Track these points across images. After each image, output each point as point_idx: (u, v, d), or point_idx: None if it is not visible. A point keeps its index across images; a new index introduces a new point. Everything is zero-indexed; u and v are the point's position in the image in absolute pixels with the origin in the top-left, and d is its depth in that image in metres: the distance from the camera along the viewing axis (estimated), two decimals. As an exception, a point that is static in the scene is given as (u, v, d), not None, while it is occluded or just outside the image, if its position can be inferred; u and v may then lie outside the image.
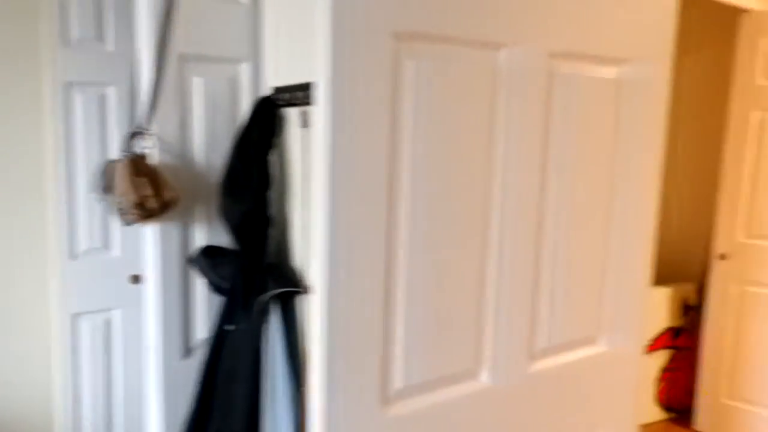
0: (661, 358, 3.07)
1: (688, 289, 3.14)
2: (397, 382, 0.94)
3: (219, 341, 1.36)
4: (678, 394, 3.13)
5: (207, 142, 1.42)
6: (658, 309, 3.03)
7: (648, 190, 1.26)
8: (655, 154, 1.26)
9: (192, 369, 1.38)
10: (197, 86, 1.39)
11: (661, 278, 3.42)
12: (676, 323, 3.10)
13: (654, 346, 3.03)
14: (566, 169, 1.12)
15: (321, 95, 0.81)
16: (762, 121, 2.68)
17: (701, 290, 3.05)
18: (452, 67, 0.93)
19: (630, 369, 1.33)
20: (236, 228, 1.34)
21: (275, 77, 1.42)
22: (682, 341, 3.13)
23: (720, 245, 2.85)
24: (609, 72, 1.16)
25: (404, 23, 0.85)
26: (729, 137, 2.78)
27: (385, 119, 0.86)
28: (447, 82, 0.93)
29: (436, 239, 0.95)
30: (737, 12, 2.70)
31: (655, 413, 3.07)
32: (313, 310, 0.85)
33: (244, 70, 1.45)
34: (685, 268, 3.30)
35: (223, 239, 1.41)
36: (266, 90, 1.44)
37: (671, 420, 3.08)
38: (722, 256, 2.84)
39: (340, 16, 0.78)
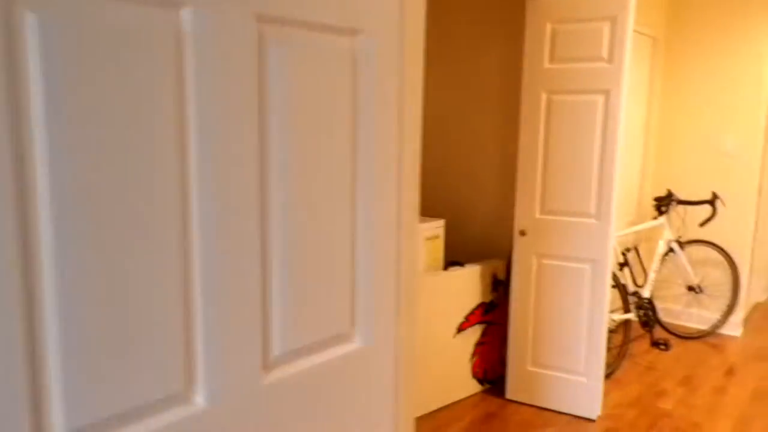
0: (475, 333, 3.17)
1: (498, 265, 3.27)
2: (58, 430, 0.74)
3: None
4: (492, 366, 3.27)
5: None
6: (472, 286, 3.12)
7: (393, 175, 1.18)
8: (397, 135, 1.18)
9: None
10: None
11: (476, 256, 3.55)
12: (488, 298, 3.22)
13: (468, 323, 3.13)
14: (292, 155, 0.99)
15: None
16: (548, 103, 2.83)
17: (509, 265, 3.19)
18: (101, 29, 0.74)
19: (388, 362, 1.26)
20: None
21: None
22: (494, 315, 3.26)
23: (520, 222, 2.99)
24: (339, 44, 1.04)
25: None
26: (523, 119, 2.91)
27: None
28: (97, 50, 0.74)
29: (101, 244, 0.76)
30: (524, -3, 2.81)
31: (472, 386, 3.18)
32: None
33: None
34: (497, 244, 3.45)
35: None
36: None
37: (486, 391, 3.20)
38: (522, 232, 2.98)
39: None
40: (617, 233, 3.52)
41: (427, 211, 3.61)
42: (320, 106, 1.03)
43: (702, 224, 3.79)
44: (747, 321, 4.36)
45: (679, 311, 4.25)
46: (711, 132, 4.02)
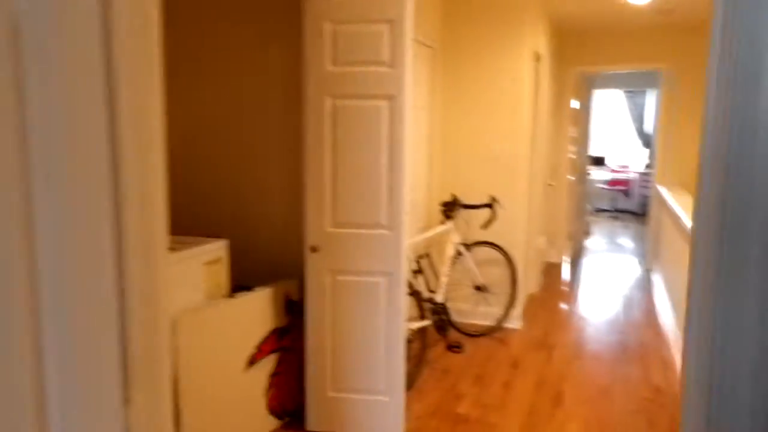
0: (270, 363, 2.86)
1: (291, 285, 3.00)
2: None
3: None
4: (290, 397, 2.99)
5: None
6: (263, 311, 2.80)
7: (101, 198, 0.83)
8: (106, 147, 0.82)
9: None
10: None
11: (267, 277, 3.23)
12: (282, 323, 2.93)
13: (261, 353, 2.80)
14: None
15: None
16: (333, 108, 2.65)
17: (303, 285, 2.94)
18: None
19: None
20: None
21: None
22: (290, 340, 2.98)
23: (310, 237, 2.76)
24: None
25: None
26: (307, 126, 2.69)
27: None
28: None
29: None
30: (301, -6, 2.59)
31: (269, 423, 2.85)
32: None
33: None
34: (289, 263, 3.17)
35: None
36: None
37: (286, 425, 2.91)
38: (313, 249, 2.75)
39: None
40: (409, 241, 3.50)
41: (205, 231, 3.20)
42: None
43: (484, 227, 3.98)
44: (524, 313, 4.73)
45: (468, 310, 4.44)
46: (486, 139, 4.26)
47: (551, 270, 6.30)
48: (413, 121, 3.90)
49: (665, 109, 6.06)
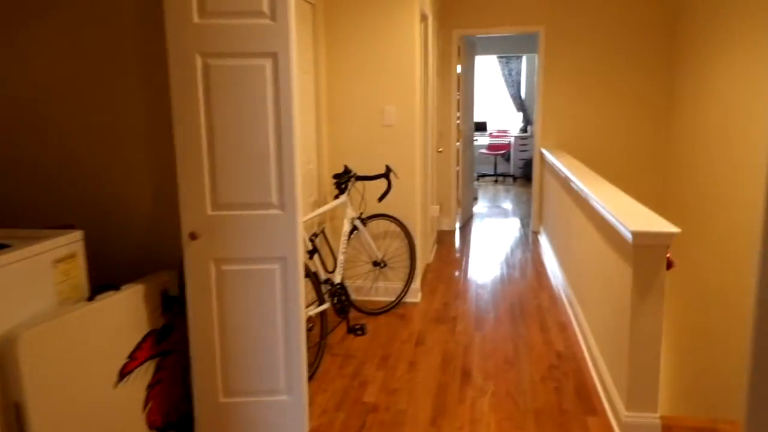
0: (147, 372, 2.43)
1: (169, 278, 2.58)
2: None
3: None
4: (174, 407, 2.59)
5: None
6: (134, 313, 2.36)
7: None
8: None
9: None
10: None
11: (138, 271, 2.76)
12: (159, 323, 2.50)
13: (135, 362, 2.37)
14: None
15: None
16: (206, 68, 2.23)
17: (182, 277, 2.53)
18: None
19: None
20: None
21: None
22: (170, 343, 2.57)
23: (188, 222, 2.35)
24: None
25: None
26: (174, 90, 2.25)
27: None
28: None
29: None
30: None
31: (150, 441, 2.45)
32: None
33: None
34: (165, 252, 2.72)
35: None
36: None
37: (171, 441, 2.52)
38: (192, 235, 2.35)
39: None
40: (302, 220, 3.18)
41: (53, 221, 2.66)
42: None
43: (380, 199, 3.75)
44: (422, 285, 4.61)
45: (367, 287, 4.22)
46: (375, 103, 3.99)
47: (444, 238, 6.27)
48: (299, 86, 3.53)
49: (544, 72, 6.16)
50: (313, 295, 3.53)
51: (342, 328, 3.70)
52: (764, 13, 3.94)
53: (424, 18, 4.52)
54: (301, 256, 2.45)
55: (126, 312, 2.32)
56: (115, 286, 2.36)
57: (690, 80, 5.32)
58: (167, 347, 2.56)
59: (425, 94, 4.71)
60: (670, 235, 2.28)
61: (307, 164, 3.77)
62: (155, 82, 2.57)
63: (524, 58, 10.95)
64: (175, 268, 2.65)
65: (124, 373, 2.31)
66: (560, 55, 6.09)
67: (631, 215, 2.51)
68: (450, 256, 5.55)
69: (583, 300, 3.60)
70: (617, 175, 6.11)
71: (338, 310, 3.46)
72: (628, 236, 2.35)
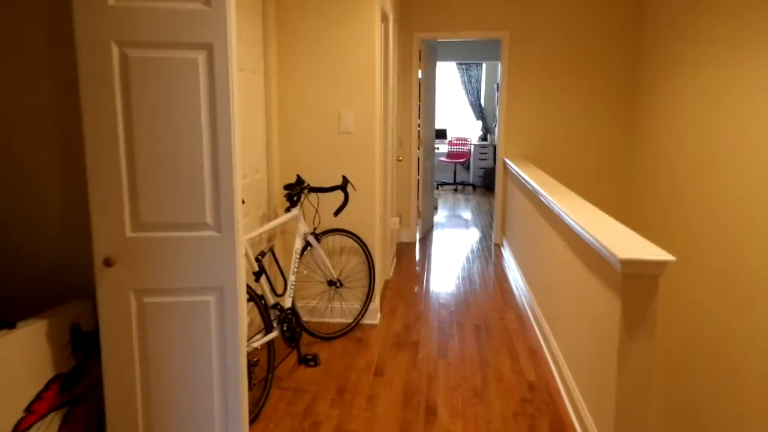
0: (51, 426, 2.01)
1: (82, 311, 2.16)
2: None
3: None
4: (87, 464, 2.17)
5: None
6: (36, 354, 1.95)
7: None
8: None
9: None
10: None
11: (41, 304, 2.33)
12: (67, 366, 2.09)
13: (34, 415, 1.95)
14: None
15: None
16: (123, 60, 1.84)
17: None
18: None
19: None
20: None
21: None
22: (81, 388, 2.15)
23: (102, 246, 1.94)
24: None
25: None
26: (85, 86, 1.85)
27: None
28: None
29: None
30: None
31: None
32: None
33: None
34: (76, 280, 2.30)
35: None
36: None
37: (81, 507, 2.10)
38: (107, 261, 1.95)
39: None
40: (248, 236, 2.80)
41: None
42: None
43: (336, 213, 3.40)
44: (382, 304, 4.28)
45: (322, 309, 3.86)
46: (332, 108, 3.65)
47: (404, 251, 5.96)
48: (246, 86, 3.15)
49: (508, 79, 5.95)
50: (259, 322, 3.15)
51: (293, 358, 3.32)
52: (725, 22, 3.81)
53: (384, 18, 4.21)
54: (243, 284, 2.08)
55: (22, 355, 1.90)
56: (10, 324, 1.93)
57: (653, 88, 5.20)
58: (79, 392, 2.14)
59: (385, 100, 4.40)
60: (662, 264, 2.02)
61: (255, 173, 3.39)
62: (64, 73, 2.16)
63: (484, 66, 10.81)
64: (90, 298, 2.24)
65: (20, 431, 1.89)
66: (524, 61, 5.90)
67: (617, 240, 2.24)
68: (410, 270, 5.24)
69: (554, 322, 3.34)
70: (582, 183, 5.94)
71: (288, 339, 3.08)
72: (616, 264, 2.08)
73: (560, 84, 5.88)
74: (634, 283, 2.06)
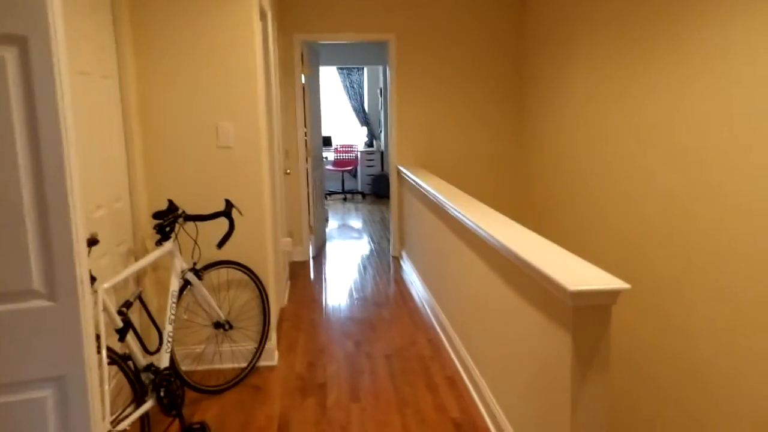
0: None
1: None
2: None
3: None
4: None
5: None
6: None
7: None
8: None
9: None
10: None
11: None
12: None
13: None
14: None
15: None
16: None
17: None
18: None
19: None
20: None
21: None
22: None
23: None
24: None
25: None
26: None
27: None
28: None
29: None
30: None
31: None
32: None
33: None
34: None
35: None
36: None
37: None
38: None
39: None
40: (108, 284, 2.19)
41: None
42: None
43: (220, 244, 2.85)
44: (279, 341, 3.77)
45: (210, 355, 3.28)
46: (207, 119, 3.09)
47: (297, 271, 5.46)
48: (93, 94, 2.52)
49: (397, 82, 5.67)
50: (128, 390, 2.53)
51: (175, 428, 2.73)
52: (607, 26, 3.79)
53: (263, 15, 3.72)
54: (94, 365, 1.52)
55: None
56: None
57: (539, 92, 5.17)
58: None
59: (269, 108, 3.90)
60: (616, 293, 1.75)
61: (115, 202, 2.76)
62: None
63: (366, 70, 10.56)
64: None
65: None
66: (412, 64, 5.65)
67: (560, 267, 1.94)
68: (307, 294, 4.76)
69: (473, 349, 3.05)
70: (477, 186, 5.81)
71: (167, 406, 2.49)
72: (565, 296, 1.78)
73: (450, 87, 5.70)
74: (587, 316, 1.78)
